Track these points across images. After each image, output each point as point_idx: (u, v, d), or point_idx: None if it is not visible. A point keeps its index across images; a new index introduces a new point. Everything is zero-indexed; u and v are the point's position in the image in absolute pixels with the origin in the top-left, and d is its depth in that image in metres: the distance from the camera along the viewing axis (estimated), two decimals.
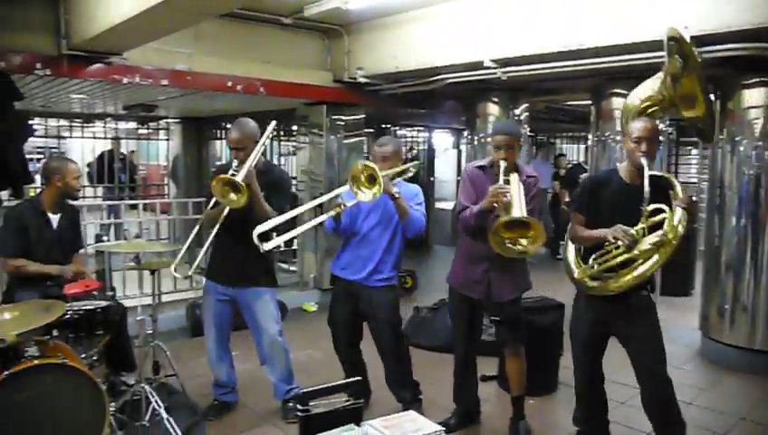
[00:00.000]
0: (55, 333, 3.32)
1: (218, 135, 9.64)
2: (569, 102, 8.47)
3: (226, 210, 3.43)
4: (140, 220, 6.70)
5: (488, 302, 3.50)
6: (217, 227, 3.51)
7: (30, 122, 5.39)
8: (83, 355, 3.35)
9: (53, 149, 10.82)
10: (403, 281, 7.01)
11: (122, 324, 3.85)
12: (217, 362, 3.91)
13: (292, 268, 7.54)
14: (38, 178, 6.21)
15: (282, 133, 9.25)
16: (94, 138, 9.84)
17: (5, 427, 2.79)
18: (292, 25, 6.12)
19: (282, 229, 3.33)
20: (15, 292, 3.69)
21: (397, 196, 3.36)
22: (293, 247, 7.29)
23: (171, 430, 3.41)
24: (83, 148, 10.06)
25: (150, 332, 3.67)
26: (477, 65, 5.44)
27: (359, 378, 2.22)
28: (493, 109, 6.58)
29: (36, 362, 2.89)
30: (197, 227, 3.70)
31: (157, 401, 3.52)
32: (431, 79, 6.05)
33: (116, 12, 3.98)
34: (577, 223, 3.20)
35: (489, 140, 3.59)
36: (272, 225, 3.27)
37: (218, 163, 9.73)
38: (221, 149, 9.88)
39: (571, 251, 3.36)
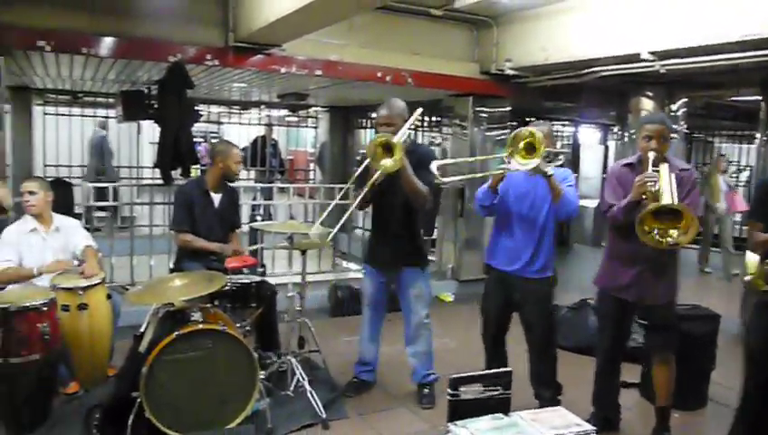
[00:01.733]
0: (215, 302, 3.63)
1: (364, 124, 9.91)
2: (733, 98, 7.83)
3: (377, 175, 3.46)
4: (290, 203, 7.08)
5: (640, 304, 3.36)
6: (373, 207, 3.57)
7: (196, 108, 5.83)
8: (237, 325, 3.62)
9: (213, 134, 11.66)
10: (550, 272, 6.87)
11: (273, 300, 4.11)
12: (369, 342, 4.07)
13: (430, 257, 7.62)
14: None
15: (425, 124, 9.36)
16: (249, 124, 10.51)
17: (174, 379, 3.10)
18: (441, 17, 6.17)
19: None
20: (183, 263, 4.08)
21: (550, 174, 3.26)
22: (433, 237, 7.37)
23: (313, 402, 3.61)
24: (239, 133, 10.77)
25: (299, 308, 3.90)
26: (633, 57, 5.18)
27: (509, 369, 2.22)
28: (647, 104, 6.25)
29: (201, 326, 3.19)
30: (347, 213, 3.80)
31: (301, 374, 3.74)
32: (582, 72, 5.86)
33: (280, 6, 4.23)
34: (756, 230, 3.00)
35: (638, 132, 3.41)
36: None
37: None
38: (366, 137, 10.17)
39: (752, 260, 3.14)
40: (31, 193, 3.92)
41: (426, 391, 3.96)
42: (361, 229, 7.78)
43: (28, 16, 4.72)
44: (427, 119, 8.92)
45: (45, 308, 3.41)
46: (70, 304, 3.70)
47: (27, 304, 3.34)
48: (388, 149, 3.34)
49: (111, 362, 4.09)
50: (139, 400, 3.05)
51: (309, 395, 3.65)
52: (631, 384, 4.21)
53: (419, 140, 9.57)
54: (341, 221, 3.67)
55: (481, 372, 2.14)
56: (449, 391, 2.03)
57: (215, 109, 10.18)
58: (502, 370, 2.15)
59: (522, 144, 3.16)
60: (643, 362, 4.08)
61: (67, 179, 7.01)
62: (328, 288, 5.98)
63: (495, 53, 6.45)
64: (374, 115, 9.18)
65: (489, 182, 3.43)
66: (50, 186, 4.12)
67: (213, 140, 10.28)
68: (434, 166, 3.38)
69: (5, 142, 4.92)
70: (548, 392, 3.64)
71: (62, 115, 8.67)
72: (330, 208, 3.82)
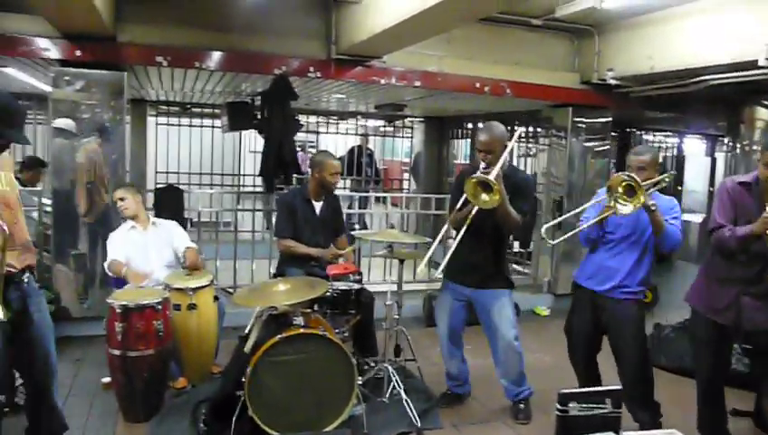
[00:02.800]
0: (315, 307, 3.74)
1: (459, 134, 9.91)
2: None
3: (474, 210, 3.47)
4: (387, 212, 7.18)
5: (738, 329, 3.16)
6: (464, 228, 3.54)
7: (296, 119, 6.04)
8: (336, 331, 3.71)
9: (310, 143, 11.98)
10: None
11: (371, 307, 4.19)
12: (449, 357, 4.04)
13: (525, 270, 7.51)
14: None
15: (522, 135, 9.23)
16: (346, 133, 10.74)
17: (276, 380, 3.23)
18: (541, 27, 6.09)
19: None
20: (285, 268, 4.23)
21: (653, 208, 3.17)
22: (529, 249, 7.25)
23: (408, 411, 3.64)
24: (336, 143, 11.01)
25: (397, 316, 3.95)
26: (749, 64, 4.90)
27: (620, 388, 2.16)
28: (763, 113, 5.88)
29: (302, 330, 3.30)
30: (445, 227, 3.82)
31: (397, 382, 3.79)
32: (690, 80, 5.60)
33: (383, 20, 4.32)
34: None
35: (758, 153, 3.19)
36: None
37: (459, 163, 10.03)
38: (461, 148, 10.15)
39: None
40: (121, 199, 4.26)
41: (521, 406, 3.91)
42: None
43: (148, 35, 5.07)
44: (523, 129, 8.81)
45: (160, 307, 3.63)
46: (181, 303, 3.93)
47: (144, 303, 3.58)
48: (486, 184, 3.34)
49: (216, 361, 4.30)
50: (242, 398, 3.19)
51: (404, 403, 3.68)
52: (744, 413, 3.96)
53: (516, 151, 9.48)
54: (438, 238, 3.66)
55: (591, 389, 2.09)
56: (558, 406, 2.00)
57: (312, 119, 10.47)
58: (613, 387, 2.09)
59: (621, 189, 3.11)
60: (755, 390, 3.83)
61: (178, 186, 7.38)
62: (423, 298, 6.01)
63: (597, 62, 6.29)
64: (469, 126, 9.33)
65: (595, 219, 3.35)
66: (137, 190, 4.44)
67: (310, 149, 10.58)
68: (543, 232, 3.33)
69: (126, 151, 5.28)
70: (646, 414, 3.48)
71: (173, 125, 9.19)
72: (437, 242, 3.75)
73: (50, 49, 4.86)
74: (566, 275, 6.68)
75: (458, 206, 3.61)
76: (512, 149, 3.66)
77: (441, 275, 3.78)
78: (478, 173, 3.43)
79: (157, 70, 5.60)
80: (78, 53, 4.88)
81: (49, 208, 5.20)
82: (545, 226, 3.49)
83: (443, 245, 3.90)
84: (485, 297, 3.80)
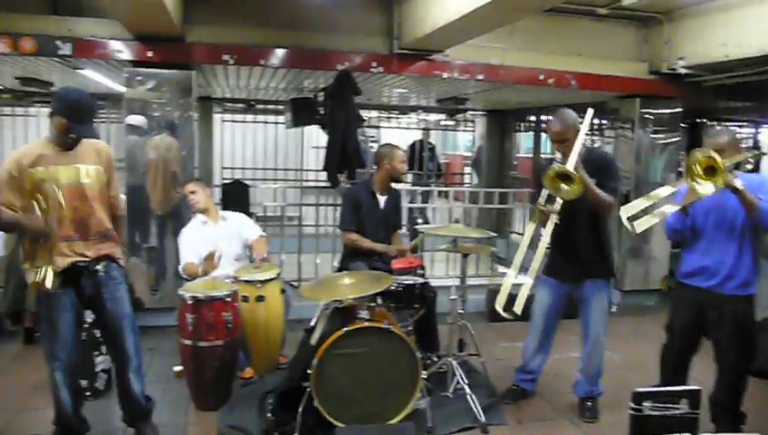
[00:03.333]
0: (379, 301, 3.76)
1: (521, 127, 9.76)
2: None
3: (558, 205, 3.39)
4: (449, 206, 7.15)
5: None
6: (554, 222, 3.42)
7: (359, 114, 6.08)
8: (400, 325, 3.73)
9: (371, 138, 12.04)
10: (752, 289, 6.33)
11: (434, 302, 4.18)
12: (535, 351, 3.96)
13: None
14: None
15: (593, 117, 8.98)
16: (407, 128, 10.74)
17: (342, 372, 3.27)
18: (607, 16, 5.93)
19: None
20: (349, 262, 4.28)
21: (740, 187, 2.97)
22: None
23: (472, 405, 3.63)
24: (397, 137, 11.01)
25: (462, 311, 3.94)
26: None
27: (698, 388, 2.08)
28: None
29: (367, 323, 3.33)
30: (533, 225, 3.65)
31: (461, 376, 3.78)
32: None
33: (446, 13, 4.30)
34: None
35: None
36: (640, 206, 3.16)
37: (522, 156, 9.88)
38: (523, 141, 9.99)
39: None
40: (192, 193, 4.40)
41: (589, 404, 3.83)
42: (518, 234, 7.66)
43: (214, 34, 5.21)
44: (593, 110, 8.58)
45: (229, 299, 3.74)
46: (249, 295, 4.02)
47: (214, 294, 3.69)
48: (565, 175, 3.26)
49: (282, 352, 4.39)
50: (309, 389, 3.24)
51: (468, 398, 3.67)
52: None
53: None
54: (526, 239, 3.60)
55: (667, 388, 2.03)
56: (632, 405, 1.95)
57: (373, 114, 10.52)
58: (690, 387, 2.02)
59: (698, 168, 2.92)
60: None
61: (244, 181, 7.56)
62: (486, 293, 5.96)
63: (667, 51, 6.07)
64: (532, 118, 9.17)
65: (678, 206, 3.16)
66: (206, 184, 4.58)
67: (372, 144, 10.63)
68: (624, 216, 3.20)
69: (194, 147, 5.45)
70: (728, 422, 3.27)
71: (238, 122, 9.40)
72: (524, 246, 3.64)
73: (123, 51, 5.05)
74: (634, 270, 6.51)
75: (542, 202, 3.48)
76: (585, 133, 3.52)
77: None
78: (554, 164, 3.36)
79: (223, 68, 5.75)
80: (149, 53, 5.06)
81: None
82: (625, 207, 3.30)
83: (506, 239, 3.84)
84: (586, 290, 3.74)
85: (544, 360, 4.00)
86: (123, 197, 3.25)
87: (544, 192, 3.42)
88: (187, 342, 3.71)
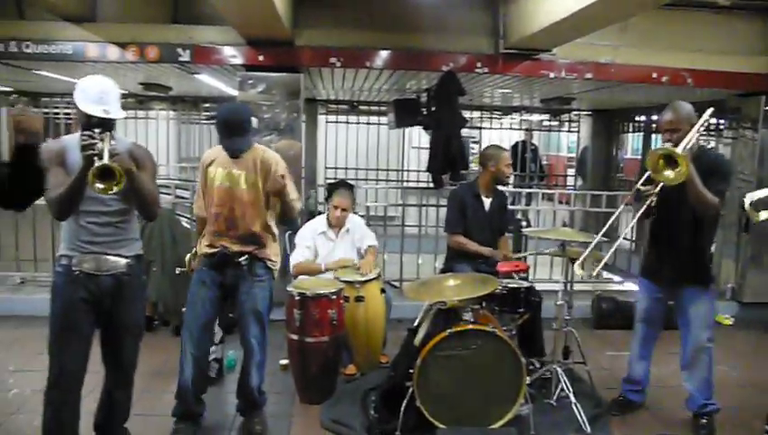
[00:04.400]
0: (483, 303, 3.72)
1: (629, 128, 9.37)
2: None
3: (657, 188, 3.24)
4: (553, 209, 6.98)
5: None
6: (650, 205, 3.28)
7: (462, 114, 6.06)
8: (504, 328, 3.68)
9: (472, 139, 11.95)
10: None
11: (539, 307, 4.10)
12: (637, 360, 3.82)
13: None
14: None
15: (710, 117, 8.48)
16: (510, 128, 10.57)
17: (444, 373, 3.27)
18: (729, 8, 5.58)
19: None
20: (454, 264, 4.27)
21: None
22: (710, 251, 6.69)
23: (577, 415, 3.52)
24: (499, 138, 10.85)
25: (568, 317, 3.84)
26: None
27: None
28: None
29: (471, 326, 3.31)
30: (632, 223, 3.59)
31: (566, 384, 3.67)
32: None
33: (555, 12, 4.19)
34: None
35: None
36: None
37: (629, 158, 9.49)
38: (632, 142, 9.58)
39: None
40: (344, 210, 4.44)
41: (703, 421, 3.60)
42: (627, 240, 7.36)
43: (322, 38, 5.36)
44: (713, 109, 8.09)
45: (334, 297, 3.82)
46: (349, 295, 4.10)
47: (321, 292, 3.79)
48: (671, 160, 3.10)
49: (384, 351, 4.44)
50: (411, 389, 3.26)
51: (573, 407, 3.56)
52: None
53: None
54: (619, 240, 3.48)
55: None
56: (766, 427, 1.82)
57: (475, 114, 10.43)
58: None
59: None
60: None
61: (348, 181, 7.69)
62: (591, 299, 5.77)
63: None
64: (640, 118, 8.77)
65: None
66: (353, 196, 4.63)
67: (473, 144, 10.55)
68: (747, 201, 3.03)
69: (302, 148, 5.62)
70: None
71: (341, 123, 9.61)
72: (616, 244, 3.53)
73: (236, 56, 5.30)
74: (755, 281, 6.08)
75: (641, 180, 3.32)
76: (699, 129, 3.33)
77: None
78: (663, 145, 3.22)
79: (329, 70, 5.89)
80: (260, 57, 5.28)
81: None
82: (750, 193, 3.09)
83: (612, 244, 3.68)
84: (685, 294, 3.57)
85: (647, 368, 3.83)
86: (299, 205, 3.48)
87: (646, 175, 3.25)
88: (294, 336, 3.83)
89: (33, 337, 4.90)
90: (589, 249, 3.45)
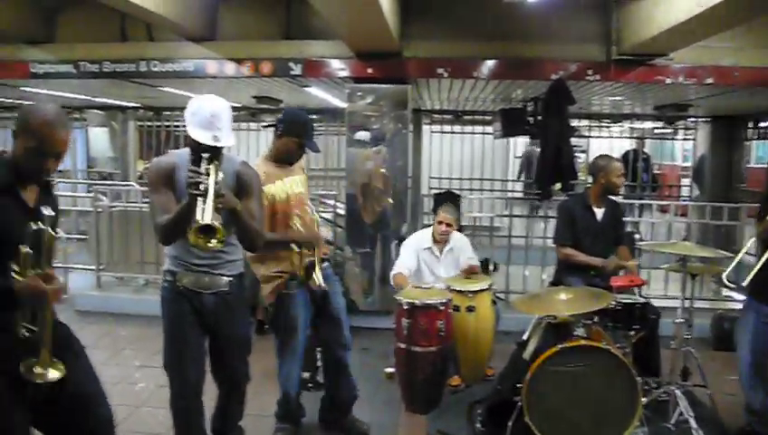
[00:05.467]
0: (595, 319, 3.59)
1: (754, 135, 8.74)
2: None
3: None
4: (668, 221, 6.65)
5: None
6: None
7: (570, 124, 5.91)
8: (617, 345, 3.53)
9: (578, 148, 11.59)
10: None
11: (656, 324, 3.91)
12: (750, 388, 3.54)
13: None
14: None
15: None
16: (620, 137, 10.18)
17: (555, 390, 3.19)
18: None
19: None
20: (564, 277, 4.15)
21: None
22: None
23: None
24: (605, 147, 10.46)
25: (688, 336, 3.64)
26: None
27: None
28: None
29: (583, 341, 3.21)
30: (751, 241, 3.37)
31: (686, 408, 3.48)
32: None
33: (673, 14, 4.02)
34: None
35: None
36: None
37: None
38: (756, 150, 8.95)
39: None
40: (448, 226, 4.45)
41: None
42: (750, 255, 6.82)
43: (429, 49, 5.40)
44: None
45: (442, 307, 3.82)
46: (460, 305, 4.08)
47: (429, 302, 3.80)
48: None
49: (490, 363, 4.39)
50: (519, 404, 3.20)
51: (693, 433, 3.37)
52: None
53: None
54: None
55: None
56: None
57: (583, 123, 10.13)
58: None
59: None
60: None
61: (454, 191, 7.69)
62: (711, 318, 5.43)
63: None
64: (767, 124, 8.17)
65: None
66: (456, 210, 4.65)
67: (580, 154, 10.25)
68: None
69: (408, 158, 5.68)
70: None
71: (446, 133, 9.61)
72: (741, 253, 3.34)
73: (345, 68, 5.45)
74: None
75: None
76: None
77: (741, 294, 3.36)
78: None
79: (437, 81, 5.92)
80: (369, 70, 5.40)
81: (341, 211, 5.83)
82: None
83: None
84: None
85: (764, 400, 3.48)
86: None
87: None
88: (402, 345, 3.85)
89: (155, 336, 5.20)
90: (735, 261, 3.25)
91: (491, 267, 5.05)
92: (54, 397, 2.16)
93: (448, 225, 4.44)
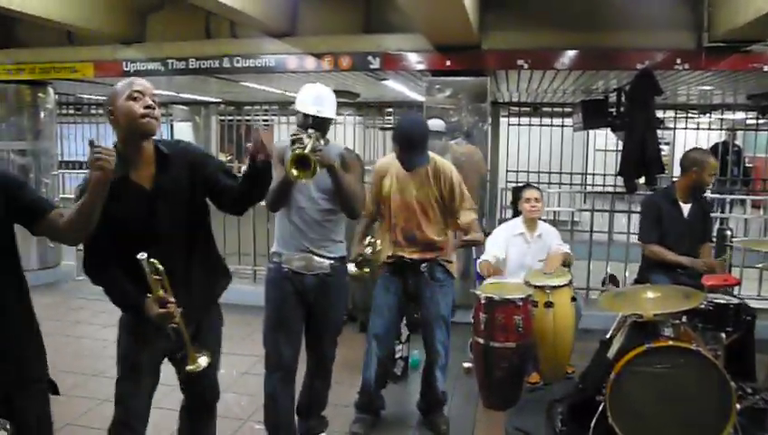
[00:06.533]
0: (684, 319, 3.45)
1: None
2: None
3: None
4: (764, 217, 6.31)
5: None
6: None
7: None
8: (708, 347, 3.37)
9: (662, 140, 11.11)
10: None
11: (752, 326, 3.71)
12: None
13: None
14: None
15: None
16: (708, 129, 9.71)
17: (640, 391, 3.06)
18: None
19: None
20: (650, 274, 4.01)
21: None
22: None
23: None
24: (691, 139, 9.99)
25: None
26: None
27: None
28: None
29: (671, 342, 3.08)
30: None
31: None
32: None
33: None
34: None
35: None
36: None
37: None
38: None
39: None
40: (536, 200, 4.39)
41: None
42: None
43: (509, 40, 5.30)
44: None
45: (521, 303, 3.77)
46: (538, 301, 4.01)
47: (507, 297, 3.75)
48: None
49: (570, 361, 4.29)
50: (603, 404, 3.11)
51: None
52: None
53: None
54: None
55: None
56: None
57: (668, 113, 9.71)
58: None
59: None
60: None
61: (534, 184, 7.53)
62: None
63: None
64: None
65: None
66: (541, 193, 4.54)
67: (663, 146, 9.82)
68: None
69: (488, 151, 5.61)
70: None
71: (523, 125, 9.44)
72: None
73: (423, 62, 5.43)
74: None
75: None
76: None
77: None
78: None
79: (516, 73, 5.82)
80: (447, 62, 5.36)
81: None
82: None
83: None
84: None
85: None
86: (473, 215, 3.52)
87: None
88: (480, 340, 3.83)
89: (239, 324, 5.36)
90: None
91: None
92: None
93: (536, 199, 4.38)
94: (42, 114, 6.93)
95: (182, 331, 2.24)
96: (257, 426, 3.47)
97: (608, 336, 3.43)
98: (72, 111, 11.16)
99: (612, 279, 4.97)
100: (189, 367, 2.30)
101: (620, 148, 5.76)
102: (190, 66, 5.92)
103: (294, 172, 2.63)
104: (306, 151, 2.62)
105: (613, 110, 5.97)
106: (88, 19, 5.43)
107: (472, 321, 3.97)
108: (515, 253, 4.39)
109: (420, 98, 5.84)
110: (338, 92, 3.18)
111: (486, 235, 4.61)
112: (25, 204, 1.98)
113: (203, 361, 2.32)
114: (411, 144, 3.23)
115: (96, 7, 5.49)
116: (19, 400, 2.00)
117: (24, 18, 5.09)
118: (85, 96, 9.71)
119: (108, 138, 2.50)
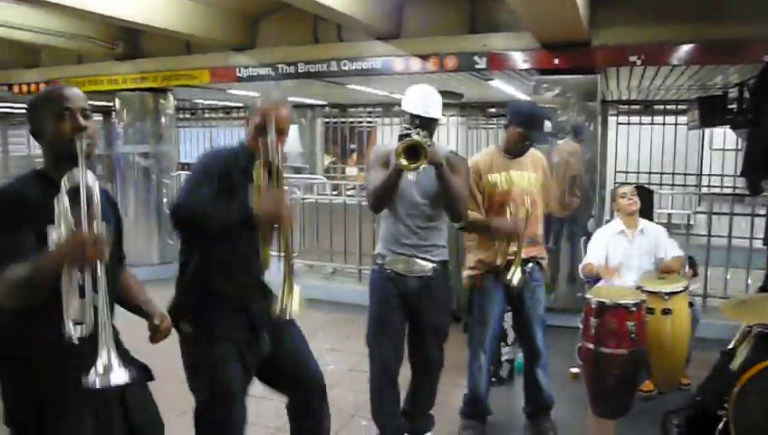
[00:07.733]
0: None
1: None
2: None
3: None
4: None
5: None
6: None
7: None
8: None
9: None
10: None
11: None
12: None
13: None
14: None
15: None
16: None
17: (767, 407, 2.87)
18: None
19: None
20: None
21: None
22: None
23: None
24: None
25: None
26: None
27: None
28: None
29: None
30: None
31: None
32: None
33: None
34: None
35: None
36: None
37: None
38: None
39: None
40: (633, 194, 4.26)
41: None
42: None
43: (620, 36, 5.12)
44: None
45: (634, 308, 3.61)
46: (654, 307, 3.84)
47: (620, 302, 3.61)
48: None
49: (686, 371, 4.09)
50: (724, 419, 2.94)
51: None
52: None
53: None
54: None
55: None
56: None
57: None
58: None
59: None
60: None
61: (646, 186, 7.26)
62: None
63: None
64: None
65: None
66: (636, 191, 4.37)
67: None
68: None
69: (597, 151, 5.44)
70: None
71: (633, 124, 9.07)
72: None
73: (530, 60, 5.34)
74: None
75: None
76: None
77: None
78: None
79: (627, 70, 5.61)
80: (555, 60, 5.25)
81: None
82: None
83: None
84: None
85: None
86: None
87: None
88: (590, 345, 3.69)
89: (343, 321, 5.56)
90: None
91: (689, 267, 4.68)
92: (275, 359, 2.54)
93: (632, 193, 4.25)
94: (163, 119, 7.42)
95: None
96: (364, 422, 3.55)
97: (730, 347, 3.24)
98: (188, 116, 11.83)
99: (691, 263, 4.61)
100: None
101: (740, 147, 5.43)
102: (299, 70, 6.14)
103: (404, 162, 2.68)
104: (420, 139, 2.67)
105: (734, 106, 5.63)
106: (204, 28, 5.76)
107: (579, 325, 3.86)
108: (619, 253, 4.21)
109: (526, 97, 5.74)
110: (442, 93, 3.19)
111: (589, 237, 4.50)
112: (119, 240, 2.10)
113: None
114: (536, 122, 3.27)
115: (212, 17, 5.81)
116: None
117: (148, 30, 5.46)
118: (200, 101, 10.26)
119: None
